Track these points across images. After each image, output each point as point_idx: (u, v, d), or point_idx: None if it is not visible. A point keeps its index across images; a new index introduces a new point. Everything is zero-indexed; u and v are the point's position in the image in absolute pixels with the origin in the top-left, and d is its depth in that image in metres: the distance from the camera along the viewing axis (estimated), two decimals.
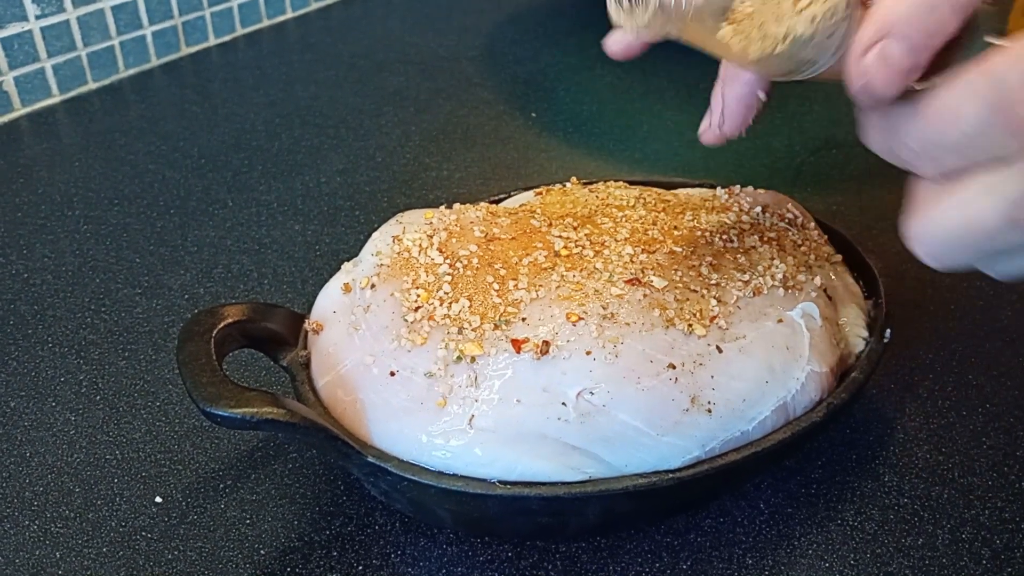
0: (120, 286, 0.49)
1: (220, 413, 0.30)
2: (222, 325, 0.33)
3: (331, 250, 0.52)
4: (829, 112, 0.67)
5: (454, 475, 0.32)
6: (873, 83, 0.27)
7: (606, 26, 0.33)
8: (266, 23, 0.80)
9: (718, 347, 0.33)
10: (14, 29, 0.63)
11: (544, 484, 0.32)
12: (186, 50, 0.75)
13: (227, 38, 0.77)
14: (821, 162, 0.60)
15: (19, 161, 0.60)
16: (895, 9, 0.27)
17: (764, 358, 0.34)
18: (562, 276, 0.35)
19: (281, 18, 0.82)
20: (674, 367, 0.32)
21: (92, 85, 0.69)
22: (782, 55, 0.29)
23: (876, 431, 0.41)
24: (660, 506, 0.35)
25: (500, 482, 0.32)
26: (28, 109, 0.66)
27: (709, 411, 0.32)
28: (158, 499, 0.37)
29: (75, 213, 0.55)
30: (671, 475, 0.32)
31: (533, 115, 0.67)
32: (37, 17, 0.64)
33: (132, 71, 0.71)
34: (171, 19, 0.73)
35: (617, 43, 0.36)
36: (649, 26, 0.31)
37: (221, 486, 0.38)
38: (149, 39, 0.72)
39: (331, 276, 0.39)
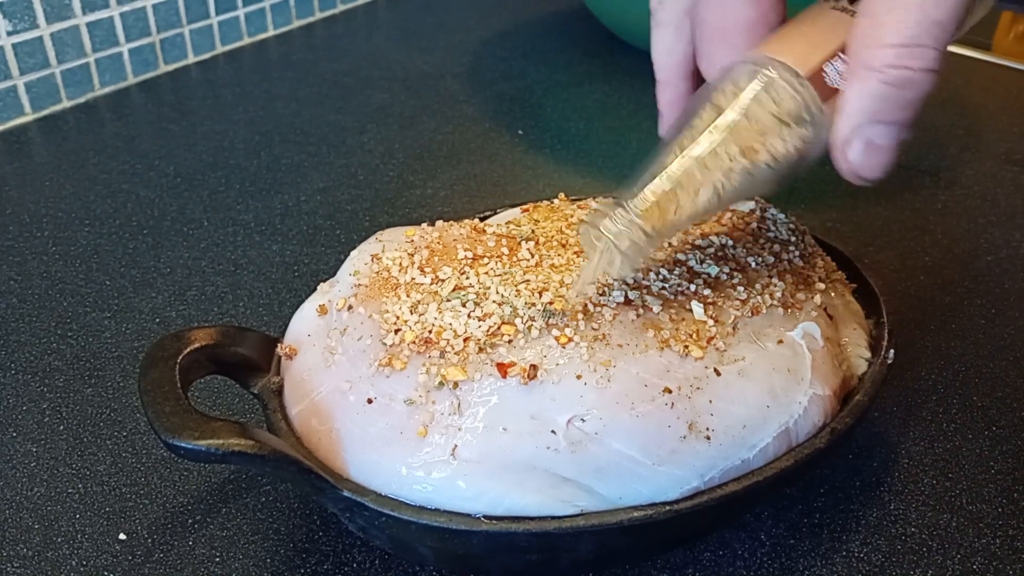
0: (88, 309, 0.47)
1: (183, 445, 0.28)
2: (188, 350, 0.32)
3: (310, 271, 0.50)
4: None
5: (436, 510, 0.30)
6: (864, 172, 0.29)
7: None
8: (247, 40, 0.79)
9: (716, 370, 0.32)
10: None
11: (533, 519, 0.30)
12: (164, 68, 0.73)
13: (207, 56, 0.76)
14: (814, 178, 0.59)
15: None
16: (863, 96, 0.28)
17: (765, 381, 0.32)
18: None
19: (262, 36, 0.80)
20: (670, 391, 0.31)
21: (66, 103, 0.67)
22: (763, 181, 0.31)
23: (880, 456, 0.39)
24: (657, 540, 0.33)
25: (486, 517, 0.30)
26: None
27: (708, 438, 0.31)
28: (122, 536, 0.35)
29: (44, 234, 0.53)
30: (668, 507, 0.30)
31: (520, 132, 0.65)
32: (9, 33, 0.63)
33: (108, 89, 0.70)
34: (149, 36, 0.71)
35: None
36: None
37: (189, 521, 0.36)
38: (126, 56, 0.70)
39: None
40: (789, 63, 0.30)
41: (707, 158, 0.30)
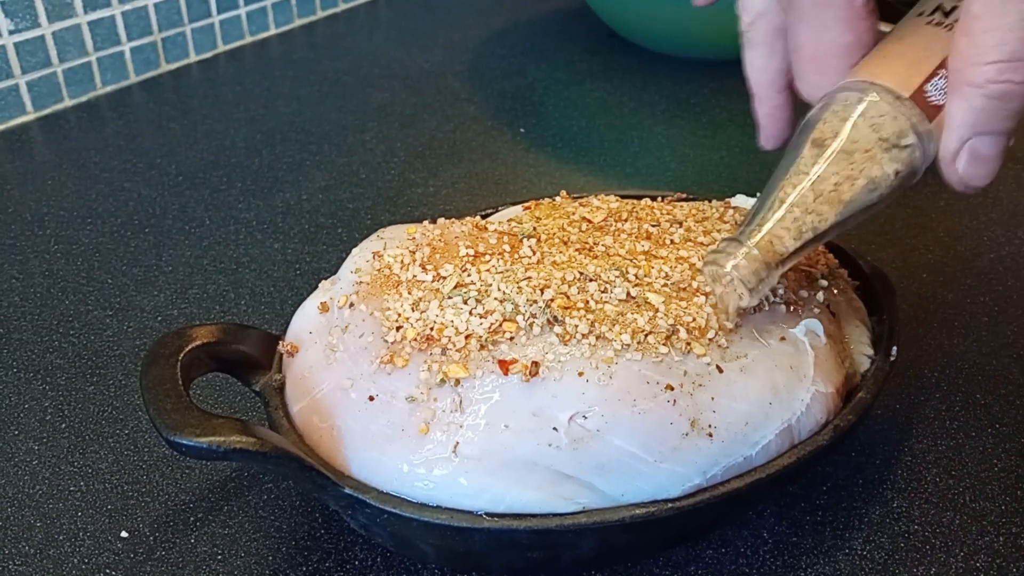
0: (90, 308, 0.47)
1: (185, 442, 0.28)
2: (190, 348, 0.31)
3: (312, 269, 0.50)
4: None
5: (438, 507, 0.30)
6: (973, 182, 0.30)
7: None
8: (248, 39, 0.79)
9: (718, 367, 0.32)
10: None
11: (534, 516, 0.30)
12: (166, 67, 0.73)
13: (208, 55, 0.76)
14: None
15: None
16: (967, 111, 0.29)
17: (767, 378, 0.32)
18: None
19: (264, 34, 0.80)
20: (672, 388, 0.31)
21: (68, 102, 0.67)
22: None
23: (883, 454, 0.39)
24: (659, 537, 0.33)
25: (487, 514, 0.30)
26: (1, 127, 0.64)
27: (710, 435, 0.31)
28: (124, 533, 0.35)
29: (46, 232, 0.53)
30: (670, 504, 0.30)
31: (521, 130, 0.65)
32: (10, 32, 0.63)
33: (110, 88, 0.70)
34: (150, 35, 0.71)
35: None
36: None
37: (191, 519, 0.36)
38: (128, 55, 0.70)
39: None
40: (891, 86, 0.31)
41: (817, 188, 0.31)
